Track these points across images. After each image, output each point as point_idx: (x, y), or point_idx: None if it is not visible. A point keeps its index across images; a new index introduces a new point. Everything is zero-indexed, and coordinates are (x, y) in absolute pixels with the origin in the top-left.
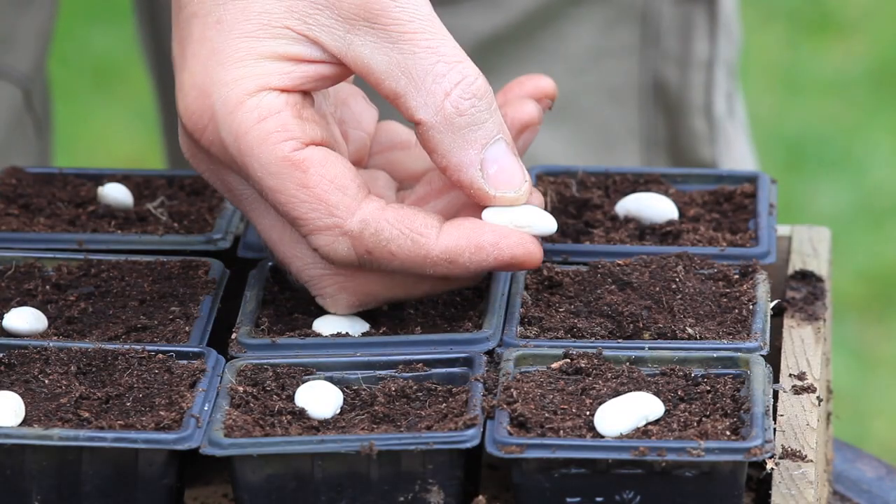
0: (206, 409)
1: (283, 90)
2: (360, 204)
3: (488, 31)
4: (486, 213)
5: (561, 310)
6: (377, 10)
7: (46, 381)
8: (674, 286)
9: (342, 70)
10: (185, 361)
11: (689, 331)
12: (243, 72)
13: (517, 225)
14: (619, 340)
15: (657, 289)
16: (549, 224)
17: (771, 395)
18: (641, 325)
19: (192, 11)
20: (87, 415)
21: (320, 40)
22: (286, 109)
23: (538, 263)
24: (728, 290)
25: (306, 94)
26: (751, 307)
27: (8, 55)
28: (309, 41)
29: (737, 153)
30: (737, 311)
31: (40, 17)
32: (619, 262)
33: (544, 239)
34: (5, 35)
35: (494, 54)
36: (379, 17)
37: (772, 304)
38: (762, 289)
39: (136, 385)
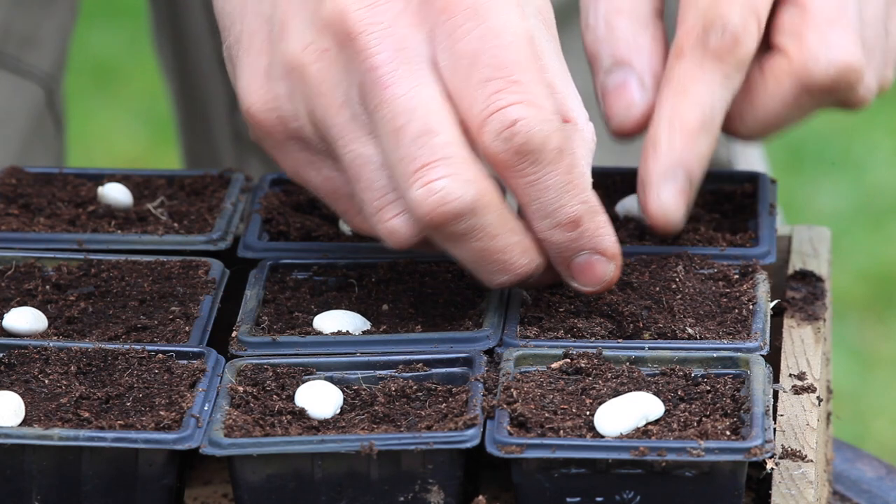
0: (206, 408)
1: None
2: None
3: None
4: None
5: (561, 310)
6: None
7: (46, 381)
8: (674, 286)
9: None
10: (185, 361)
11: (689, 331)
12: None
13: None
14: (619, 340)
15: (657, 289)
16: None
17: (771, 395)
18: (641, 325)
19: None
20: (87, 415)
21: None
22: None
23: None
24: (728, 290)
25: None
26: (751, 307)
27: (31, 54)
28: None
29: (751, 154)
30: (737, 310)
31: (62, 17)
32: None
33: None
34: (29, 34)
35: None
36: None
37: (772, 304)
38: (762, 289)
39: (136, 385)
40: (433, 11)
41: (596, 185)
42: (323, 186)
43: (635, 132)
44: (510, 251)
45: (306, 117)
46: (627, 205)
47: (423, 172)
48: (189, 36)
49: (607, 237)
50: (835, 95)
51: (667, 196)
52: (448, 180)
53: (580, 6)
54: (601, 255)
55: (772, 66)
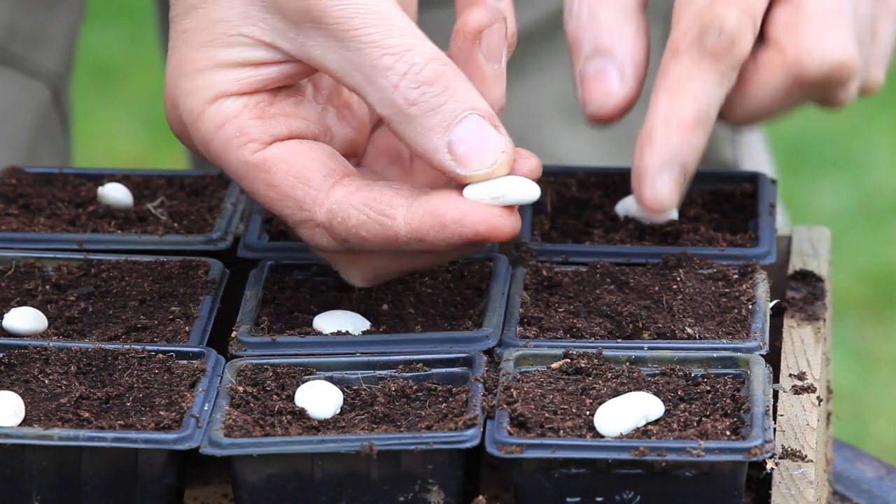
0: (206, 408)
1: (242, 94)
2: (327, 193)
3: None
4: (466, 190)
5: (560, 310)
6: (317, 11)
7: (46, 381)
8: (674, 286)
9: (308, 66)
10: (184, 361)
11: (689, 330)
12: (202, 82)
13: (492, 197)
14: (619, 340)
15: (656, 288)
16: (526, 192)
17: (771, 395)
18: (641, 325)
19: (171, 18)
20: (87, 415)
21: (276, 44)
22: (244, 112)
23: (506, 237)
24: (728, 290)
25: (279, 90)
26: (750, 307)
27: (39, 54)
28: (265, 45)
29: (756, 155)
30: (736, 310)
31: (70, 17)
32: (619, 262)
33: (544, 238)
34: (37, 34)
35: (519, 53)
36: (321, 17)
37: (771, 304)
38: (762, 289)
39: (136, 385)
40: None
41: (596, 185)
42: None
43: (610, 120)
44: None
45: None
46: (627, 205)
47: None
48: None
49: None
50: (825, 91)
51: (661, 186)
52: None
53: None
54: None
55: (765, 58)
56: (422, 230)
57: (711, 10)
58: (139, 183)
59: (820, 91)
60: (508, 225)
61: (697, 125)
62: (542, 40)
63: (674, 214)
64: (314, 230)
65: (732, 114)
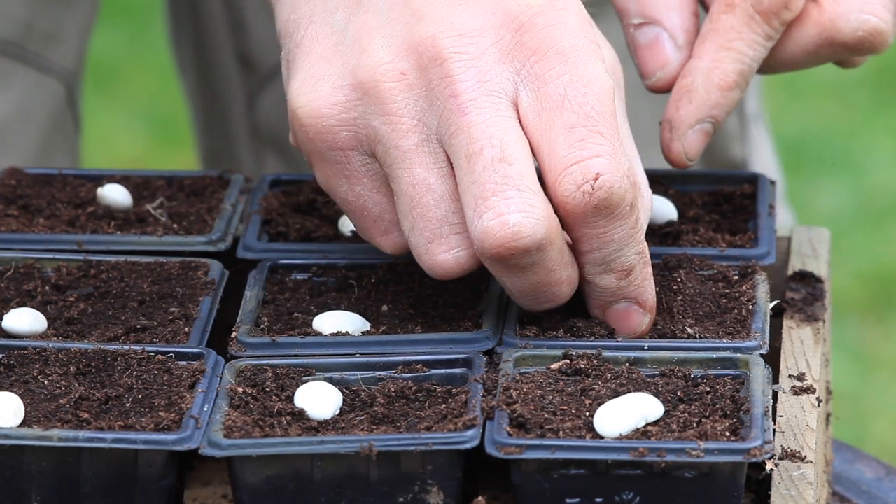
0: (205, 409)
1: None
2: None
3: None
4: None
5: (560, 311)
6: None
7: (46, 382)
8: (674, 287)
9: None
10: (184, 362)
11: (689, 330)
12: None
13: None
14: (619, 340)
15: (657, 289)
16: None
17: (770, 396)
18: None
19: None
20: (86, 416)
21: None
22: None
23: None
24: (727, 291)
25: None
26: (750, 307)
27: (54, 51)
28: None
29: (763, 153)
30: (736, 311)
31: (84, 15)
32: None
33: None
34: (52, 31)
35: None
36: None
37: (771, 305)
38: (761, 289)
39: (135, 386)
40: (524, 51)
41: None
42: (353, 202)
43: (670, 88)
44: (562, 284)
45: (364, 133)
46: None
47: (495, 202)
48: (209, 35)
49: (650, 290)
50: (853, 54)
51: (692, 140)
52: (522, 216)
53: None
54: (640, 306)
55: (803, 11)
56: None
57: None
58: (139, 184)
59: (849, 53)
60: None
61: (738, 84)
62: None
63: (673, 215)
64: None
65: (762, 62)
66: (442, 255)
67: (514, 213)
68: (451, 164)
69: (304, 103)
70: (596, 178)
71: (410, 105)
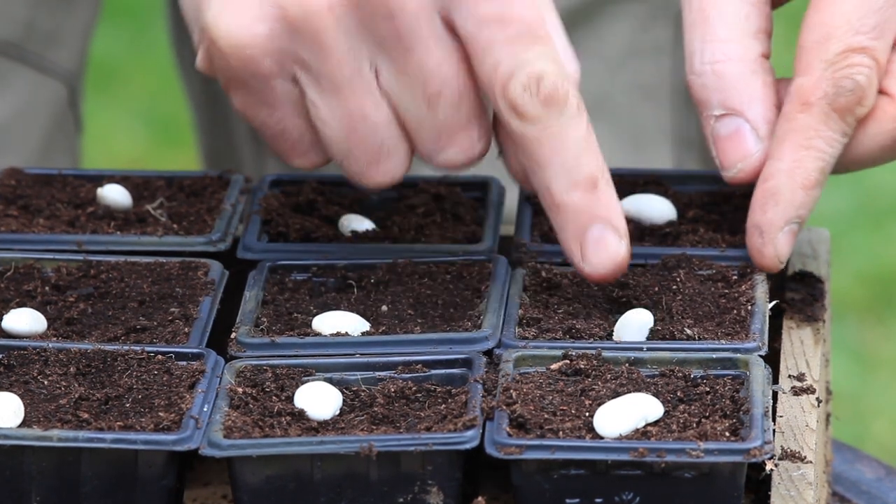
0: (205, 410)
1: None
2: None
3: None
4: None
5: (559, 311)
6: None
7: (46, 383)
8: (673, 287)
9: None
10: (184, 362)
11: (688, 331)
12: None
13: None
14: (618, 343)
15: (656, 289)
16: None
17: (770, 396)
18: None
19: None
20: (86, 416)
21: None
22: None
23: None
24: (727, 291)
25: None
26: (749, 308)
27: (55, 52)
28: None
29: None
30: (735, 311)
31: (85, 15)
32: None
33: (543, 238)
34: (53, 32)
35: None
36: None
37: (770, 305)
38: (760, 289)
39: (135, 386)
40: None
41: None
42: (272, 126)
43: (752, 181)
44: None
45: (290, 62)
46: (627, 205)
47: (460, 138)
48: None
49: (620, 211)
50: None
51: (782, 244)
52: (483, 143)
53: (685, 52)
54: (614, 229)
55: (876, 107)
56: None
57: (844, 60)
58: (138, 184)
59: None
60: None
61: (819, 182)
62: None
63: (673, 215)
64: None
65: (837, 162)
66: (379, 176)
67: (477, 146)
68: (383, 91)
69: (225, 32)
70: (540, 77)
71: (341, 37)
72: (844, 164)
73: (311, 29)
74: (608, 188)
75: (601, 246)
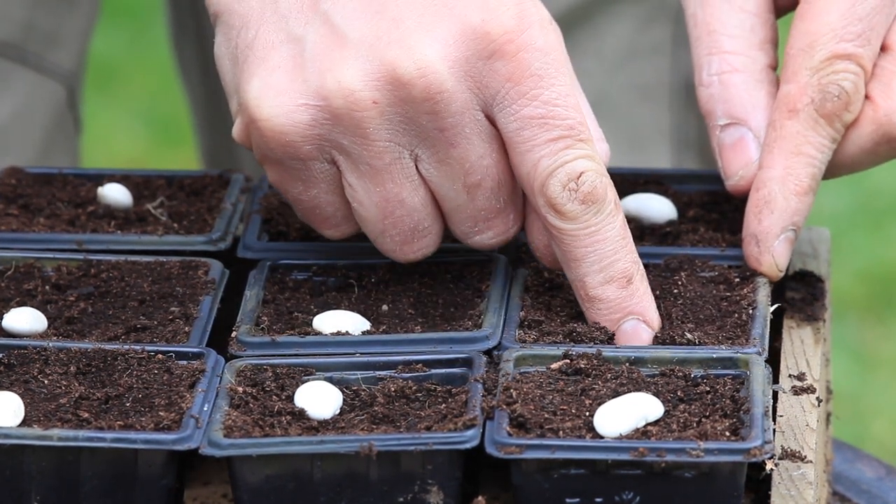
0: (205, 409)
1: None
2: None
3: None
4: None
5: (562, 314)
6: None
7: (46, 382)
8: (675, 290)
9: None
10: (184, 362)
11: (689, 336)
12: None
13: None
14: (619, 346)
15: (657, 292)
16: None
17: (770, 396)
18: None
19: None
20: (86, 415)
21: None
22: None
23: None
24: (728, 294)
25: None
26: (751, 311)
27: (54, 53)
28: None
29: None
30: (737, 315)
31: (85, 16)
32: None
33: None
34: (52, 33)
35: None
36: None
37: (772, 308)
38: (762, 292)
39: (135, 385)
40: (497, 78)
41: None
42: (306, 202)
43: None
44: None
45: (329, 147)
46: (627, 205)
47: (496, 222)
48: (211, 34)
49: (653, 304)
50: None
51: (780, 251)
52: (517, 226)
53: (694, 65)
54: (647, 323)
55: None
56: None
57: (830, 67)
58: (139, 183)
59: None
60: None
61: (811, 188)
62: None
63: (673, 215)
64: None
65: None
66: (412, 254)
67: (511, 229)
68: (421, 176)
69: (266, 116)
70: (580, 177)
71: (383, 129)
72: (829, 169)
73: (353, 121)
74: (642, 283)
75: (633, 338)
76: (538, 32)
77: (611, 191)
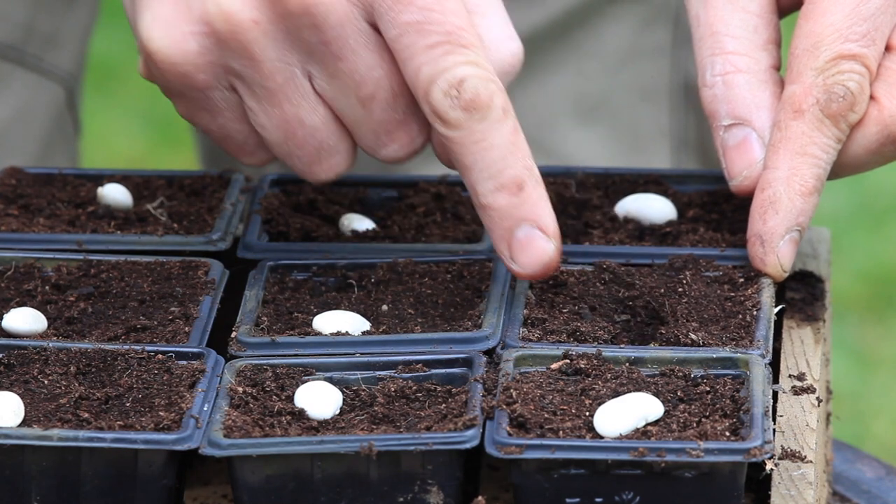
0: (205, 409)
1: None
2: None
3: (527, 28)
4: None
5: (565, 311)
6: None
7: (46, 382)
8: (679, 289)
9: None
10: (184, 362)
11: (693, 336)
12: None
13: None
14: (620, 346)
15: (661, 291)
16: None
17: (770, 396)
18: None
19: None
20: (86, 415)
21: None
22: None
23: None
24: (732, 295)
25: None
26: (755, 313)
27: (53, 54)
28: None
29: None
30: (740, 316)
31: (84, 17)
32: (619, 262)
33: None
34: (51, 34)
35: (530, 52)
36: None
37: (776, 310)
38: (766, 294)
39: (135, 385)
40: None
41: (595, 186)
42: (216, 131)
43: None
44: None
45: (223, 73)
46: (627, 205)
47: (399, 135)
48: None
49: (549, 211)
50: None
51: (784, 252)
52: (422, 139)
53: (697, 65)
54: (542, 230)
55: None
56: None
57: (835, 67)
58: (139, 183)
59: None
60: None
61: (816, 188)
62: (553, 40)
63: (673, 215)
64: None
65: None
66: (322, 173)
67: (416, 140)
68: (318, 94)
69: (157, 48)
70: (461, 83)
71: (269, 49)
72: (834, 170)
73: (239, 42)
74: (536, 189)
75: (529, 246)
76: None
77: (498, 97)
